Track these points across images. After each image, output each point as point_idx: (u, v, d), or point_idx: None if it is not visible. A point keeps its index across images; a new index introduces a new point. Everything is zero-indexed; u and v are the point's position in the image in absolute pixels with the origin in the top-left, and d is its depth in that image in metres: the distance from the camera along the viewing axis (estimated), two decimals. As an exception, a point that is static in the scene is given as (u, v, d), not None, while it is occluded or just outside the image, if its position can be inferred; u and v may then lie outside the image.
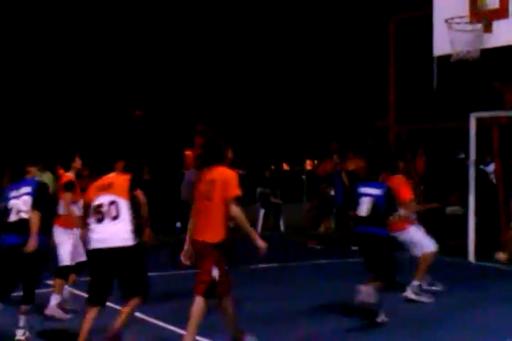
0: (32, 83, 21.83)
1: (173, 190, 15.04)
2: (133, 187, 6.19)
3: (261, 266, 10.74)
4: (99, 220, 6.05)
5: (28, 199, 6.53)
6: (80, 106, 22.59)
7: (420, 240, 8.41)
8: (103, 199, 6.06)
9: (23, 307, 6.62)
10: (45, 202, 6.70)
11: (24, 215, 6.51)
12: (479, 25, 10.31)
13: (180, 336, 6.22)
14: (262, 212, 15.89)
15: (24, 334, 6.59)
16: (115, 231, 5.99)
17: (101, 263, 6.08)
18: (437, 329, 7.10)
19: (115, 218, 6.02)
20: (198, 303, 5.82)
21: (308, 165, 15.32)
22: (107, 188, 6.11)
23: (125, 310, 6.06)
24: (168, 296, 8.53)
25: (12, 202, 6.55)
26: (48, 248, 7.01)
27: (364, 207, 7.45)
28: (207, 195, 5.93)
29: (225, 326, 6.20)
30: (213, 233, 5.92)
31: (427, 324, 7.34)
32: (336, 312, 7.76)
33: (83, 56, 22.17)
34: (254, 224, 12.29)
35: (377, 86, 17.72)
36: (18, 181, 6.75)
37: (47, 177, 14.77)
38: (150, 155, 20.16)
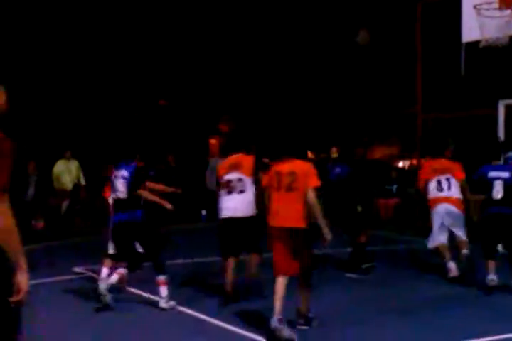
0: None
1: (198, 178, 15.13)
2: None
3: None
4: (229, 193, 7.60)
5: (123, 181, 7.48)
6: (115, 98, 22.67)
7: None
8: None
9: (160, 278, 7.13)
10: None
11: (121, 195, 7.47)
12: (508, 12, 10.18)
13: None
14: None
15: (167, 302, 7.12)
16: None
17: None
18: None
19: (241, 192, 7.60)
20: (282, 283, 6.21)
21: (334, 152, 15.12)
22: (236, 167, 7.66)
23: (252, 262, 7.56)
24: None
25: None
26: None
27: (497, 190, 8.00)
28: (289, 186, 6.38)
29: (301, 302, 6.44)
30: (300, 219, 6.34)
31: None
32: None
33: (113, 48, 22.25)
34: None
35: (404, 73, 17.55)
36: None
37: (74, 165, 15.00)
38: (175, 144, 20.20)
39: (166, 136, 21.83)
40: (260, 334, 6.18)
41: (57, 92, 21.02)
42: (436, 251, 8.91)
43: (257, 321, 6.56)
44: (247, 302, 7.45)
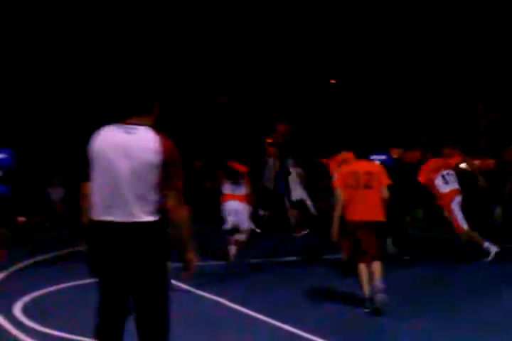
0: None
1: (257, 178, 14.99)
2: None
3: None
4: None
5: None
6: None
7: None
8: None
9: None
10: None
11: None
12: None
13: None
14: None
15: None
16: None
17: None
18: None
19: None
20: (364, 268, 7.17)
21: (395, 153, 14.88)
22: None
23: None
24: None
25: None
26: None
27: None
28: (366, 184, 7.35)
29: (372, 284, 7.13)
30: (380, 213, 7.34)
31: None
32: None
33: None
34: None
35: (467, 73, 17.18)
36: None
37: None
38: (234, 143, 20.19)
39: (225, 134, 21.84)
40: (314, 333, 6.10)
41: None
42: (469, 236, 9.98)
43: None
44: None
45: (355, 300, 7.29)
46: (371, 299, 7.03)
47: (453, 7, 20.08)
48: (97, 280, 4.25)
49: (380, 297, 6.94)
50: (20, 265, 10.21)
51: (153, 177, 4.13)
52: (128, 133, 4.15)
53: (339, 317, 6.97)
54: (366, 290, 7.09)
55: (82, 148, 4.33)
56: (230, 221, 10.05)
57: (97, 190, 4.19)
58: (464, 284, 8.63)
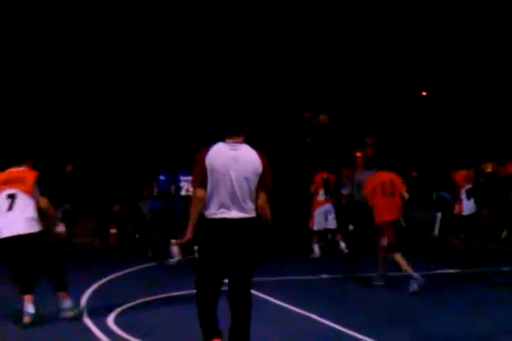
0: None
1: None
2: None
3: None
4: None
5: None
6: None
7: None
8: None
9: None
10: None
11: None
12: None
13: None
14: (439, 215, 15.16)
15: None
16: None
17: None
18: None
19: None
20: (400, 255, 9.07)
21: (489, 167, 14.42)
22: None
23: None
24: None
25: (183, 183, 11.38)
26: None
27: None
28: (391, 192, 9.35)
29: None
30: (400, 213, 9.43)
31: None
32: None
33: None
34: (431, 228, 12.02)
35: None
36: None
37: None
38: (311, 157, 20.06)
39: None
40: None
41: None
42: None
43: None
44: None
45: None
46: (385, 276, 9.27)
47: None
48: (201, 266, 5.45)
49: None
50: (113, 276, 10.31)
51: (256, 183, 5.51)
52: (235, 149, 5.48)
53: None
54: (407, 269, 8.90)
55: (190, 162, 5.61)
56: None
57: (214, 193, 5.42)
58: None
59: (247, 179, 5.42)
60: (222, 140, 5.55)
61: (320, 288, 9.29)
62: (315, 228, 12.23)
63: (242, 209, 5.38)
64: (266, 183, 5.52)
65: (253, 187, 5.46)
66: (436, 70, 23.25)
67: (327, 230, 12.60)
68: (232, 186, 5.39)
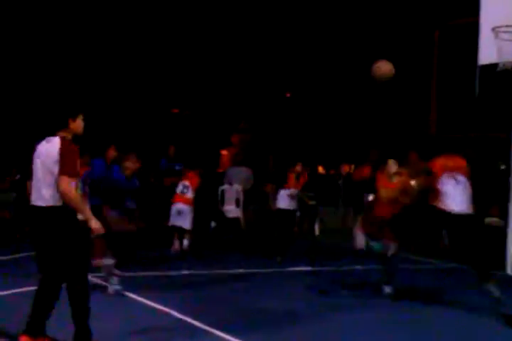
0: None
1: (209, 190, 15.02)
2: None
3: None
4: None
5: None
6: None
7: None
8: None
9: None
10: None
11: None
12: (527, 35, 10.15)
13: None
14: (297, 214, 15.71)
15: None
16: None
17: None
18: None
19: None
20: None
21: (345, 169, 15.14)
22: None
23: None
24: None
25: None
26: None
27: None
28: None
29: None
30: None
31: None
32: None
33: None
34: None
35: (419, 94, 17.52)
36: None
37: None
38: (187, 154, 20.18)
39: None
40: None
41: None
42: None
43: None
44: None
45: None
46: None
47: None
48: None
49: None
50: None
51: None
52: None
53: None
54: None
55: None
56: None
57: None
58: None
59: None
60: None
61: (180, 284, 9.46)
62: (170, 224, 12.51)
63: (40, 197, 5.76)
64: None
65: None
66: (299, 74, 23.99)
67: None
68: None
